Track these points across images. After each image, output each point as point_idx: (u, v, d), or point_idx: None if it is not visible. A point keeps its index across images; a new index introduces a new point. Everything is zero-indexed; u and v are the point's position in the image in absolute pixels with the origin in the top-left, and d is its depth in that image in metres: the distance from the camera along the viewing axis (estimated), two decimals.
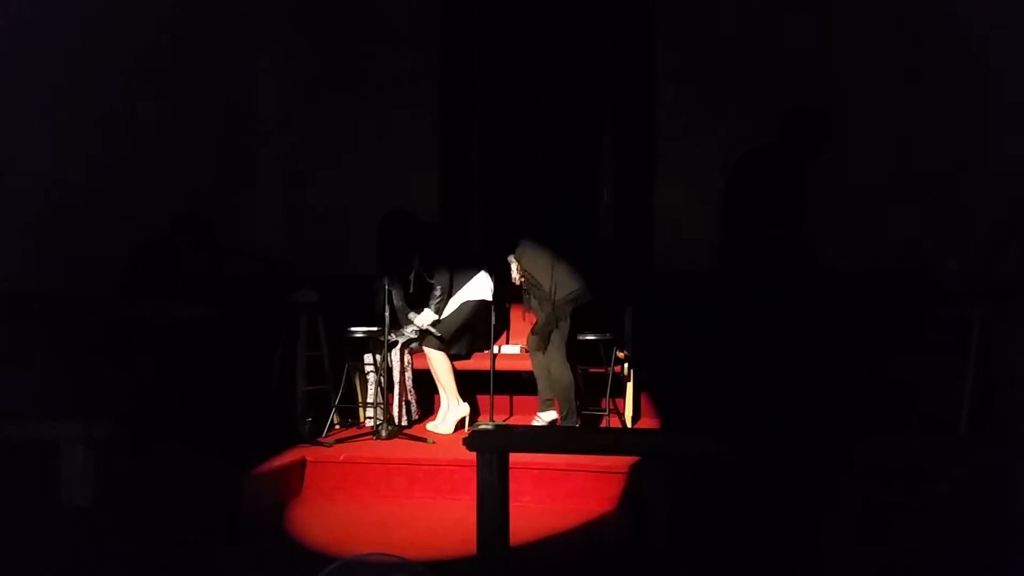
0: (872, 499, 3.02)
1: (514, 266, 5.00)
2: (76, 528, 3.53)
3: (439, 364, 5.08)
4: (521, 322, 5.42)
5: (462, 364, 5.21)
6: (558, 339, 4.83)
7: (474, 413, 5.45)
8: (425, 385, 5.30)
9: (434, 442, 4.73)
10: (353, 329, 5.07)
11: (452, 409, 5.08)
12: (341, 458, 4.45)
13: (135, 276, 4.63)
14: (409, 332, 5.39)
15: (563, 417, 4.80)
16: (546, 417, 4.91)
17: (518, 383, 5.32)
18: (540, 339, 4.85)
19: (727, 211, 4.21)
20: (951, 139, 4.93)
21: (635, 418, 5.13)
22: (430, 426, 5.08)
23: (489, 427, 3.23)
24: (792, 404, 3.91)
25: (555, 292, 4.80)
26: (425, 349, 5.12)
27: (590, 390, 5.14)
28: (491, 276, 5.21)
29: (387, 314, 4.86)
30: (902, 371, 4.58)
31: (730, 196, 4.21)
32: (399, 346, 5.24)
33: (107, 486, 3.75)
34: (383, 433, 4.78)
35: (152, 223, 4.80)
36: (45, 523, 3.55)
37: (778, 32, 5.43)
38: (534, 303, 4.95)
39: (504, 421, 5.30)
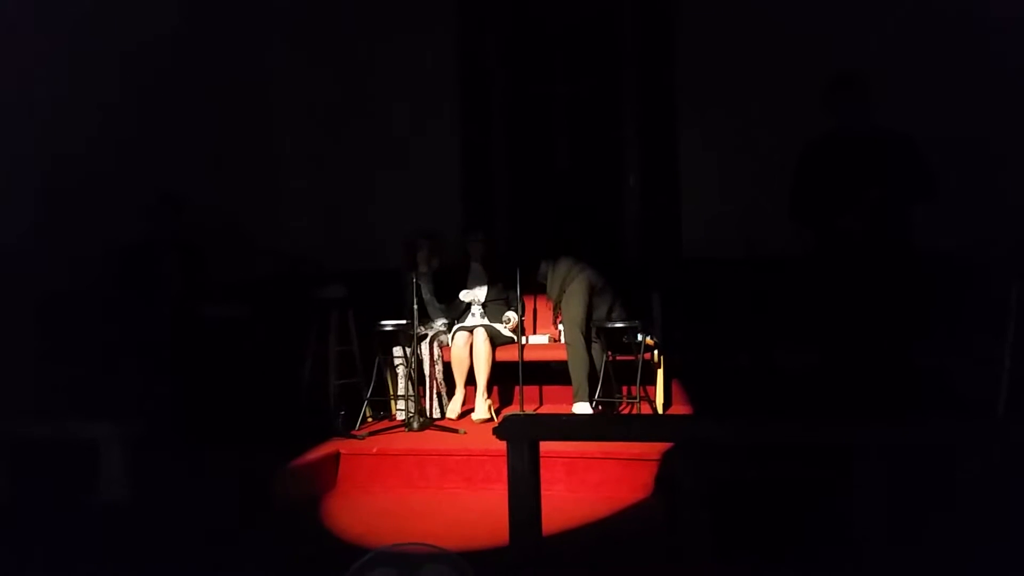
0: (904, 483, 2.99)
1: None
2: (114, 524, 3.60)
3: (486, 352, 5.13)
4: (547, 312, 5.45)
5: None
6: (570, 320, 4.96)
7: (504, 403, 5.47)
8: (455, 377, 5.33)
9: (465, 432, 4.75)
10: (383, 323, 5.10)
11: (483, 397, 5.13)
12: (374, 450, 4.49)
13: (122, 272, 4.68)
14: (439, 325, 5.43)
15: (575, 396, 4.90)
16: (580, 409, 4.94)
17: (548, 373, 5.34)
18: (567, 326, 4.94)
19: (796, 204, 4.15)
20: (988, 127, 4.84)
21: (666, 405, 5.11)
22: (475, 416, 5.10)
23: (520, 416, 3.25)
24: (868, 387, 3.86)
25: (553, 271, 5.06)
26: (476, 333, 5.17)
27: (620, 378, 5.14)
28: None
29: (416, 307, 4.90)
30: (938, 353, 4.52)
31: (798, 190, 4.13)
32: (428, 339, 5.28)
33: (143, 483, 3.82)
34: (415, 425, 4.82)
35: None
36: (84, 520, 3.63)
37: (801, 14, 5.36)
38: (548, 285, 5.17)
39: (534, 411, 5.31)
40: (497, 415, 5.13)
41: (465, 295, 5.47)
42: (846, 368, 4.04)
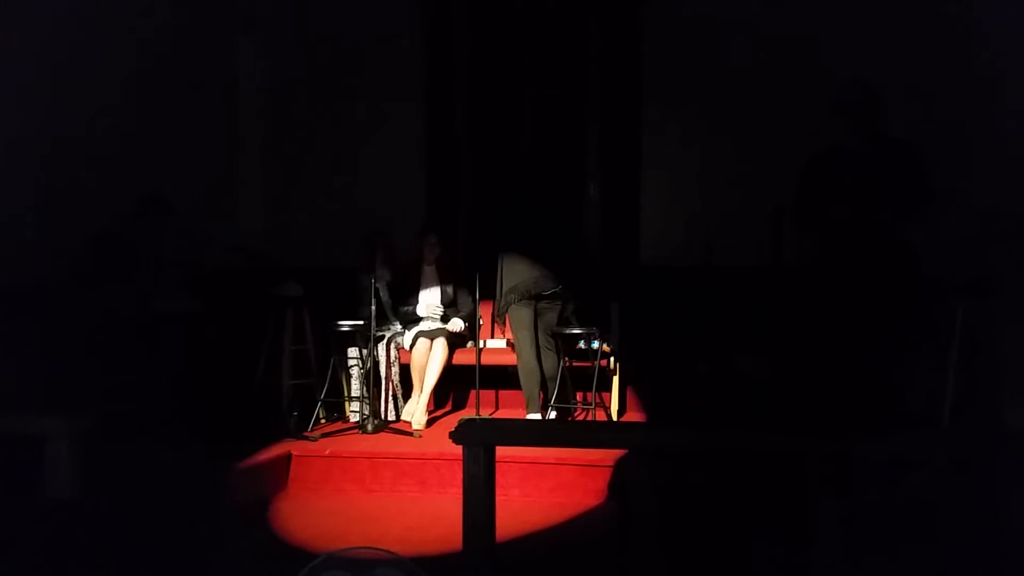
0: (854, 491, 3.04)
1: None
2: (60, 522, 3.51)
3: (442, 357, 5.10)
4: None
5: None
6: (517, 327, 4.91)
7: (459, 407, 5.46)
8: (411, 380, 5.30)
9: (420, 436, 4.73)
10: (340, 323, 5.05)
11: (424, 403, 5.07)
12: (327, 452, 4.44)
13: (92, 264, 4.56)
14: (397, 327, 5.39)
15: (526, 408, 4.91)
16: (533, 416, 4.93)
17: (504, 377, 5.34)
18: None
19: (802, 209, 4.06)
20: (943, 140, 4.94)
21: (621, 412, 5.15)
22: (415, 423, 5.05)
23: (476, 420, 3.24)
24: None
25: (501, 282, 4.96)
26: (436, 341, 5.14)
27: (576, 384, 5.15)
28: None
29: (373, 308, 4.85)
30: (883, 365, 4.60)
31: (803, 196, 4.04)
32: (385, 341, 5.24)
33: (91, 480, 3.73)
34: (369, 427, 4.78)
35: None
36: (30, 517, 3.53)
37: (766, 23, 5.43)
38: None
39: (490, 415, 5.31)
40: (435, 421, 5.10)
41: (419, 308, 5.40)
42: (809, 377, 4.06)
